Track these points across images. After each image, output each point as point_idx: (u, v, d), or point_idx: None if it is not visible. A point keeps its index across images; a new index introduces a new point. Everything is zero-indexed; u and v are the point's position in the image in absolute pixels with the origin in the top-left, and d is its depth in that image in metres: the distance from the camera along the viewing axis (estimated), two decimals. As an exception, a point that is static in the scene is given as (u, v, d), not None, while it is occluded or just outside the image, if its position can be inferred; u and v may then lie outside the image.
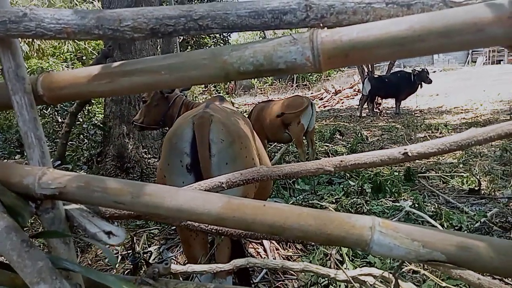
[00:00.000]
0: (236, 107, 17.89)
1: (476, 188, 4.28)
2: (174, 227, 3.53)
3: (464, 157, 5.68)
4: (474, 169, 5.00)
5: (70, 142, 6.10)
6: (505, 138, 1.01)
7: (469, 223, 3.37)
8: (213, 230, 1.32)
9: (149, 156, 5.35)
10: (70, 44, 13.88)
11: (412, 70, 12.65)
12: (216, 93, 23.04)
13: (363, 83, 12.74)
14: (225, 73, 0.94)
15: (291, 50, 0.87)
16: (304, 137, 5.71)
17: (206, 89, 23.67)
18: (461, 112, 10.98)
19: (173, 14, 0.93)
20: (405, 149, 1.05)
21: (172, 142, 1.88)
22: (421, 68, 12.54)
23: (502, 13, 0.74)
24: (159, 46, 6.30)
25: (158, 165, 2.02)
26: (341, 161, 1.10)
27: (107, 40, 1.34)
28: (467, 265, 0.77)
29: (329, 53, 0.85)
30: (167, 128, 3.56)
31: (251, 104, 19.48)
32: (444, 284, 1.36)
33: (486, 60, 25.07)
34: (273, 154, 6.61)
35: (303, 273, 2.57)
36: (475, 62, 25.49)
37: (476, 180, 4.42)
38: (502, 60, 24.31)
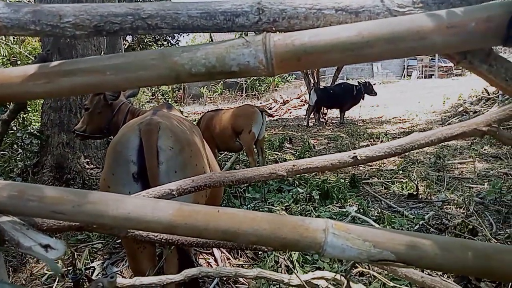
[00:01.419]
0: (185, 116, 17.55)
1: (415, 193, 4.57)
2: (119, 240, 3.35)
3: (403, 164, 6.04)
4: (412, 175, 5.33)
5: (2, 152, 5.61)
6: (443, 142, 1.08)
7: (409, 225, 3.57)
8: (162, 240, 1.26)
9: (92, 166, 5.07)
10: (3, 48, 12.88)
11: (358, 82, 13.33)
12: (164, 102, 22.59)
13: (309, 94, 13.15)
14: (176, 74, 0.91)
15: (244, 52, 0.86)
16: (254, 146, 5.74)
17: (154, 97, 23.10)
18: (399, 122, 11.72)
19: (119, 12, 0.88)
20: (354, 153, 1.07)
21: (117, 150, 1.82)
22: (365, 81, 13.25)
23: (441, 23, 0.78)
24: (102, 52, 6.04)
25: (101, 175, 1.94)
26: (294, 165, 1.11)
27: (45, 36, 1.24)
28: (415, 263, 0.79)
29: (282, 56, 0.85)
30: (112, 137, 3.40)
31: (200, 113, 19.29)
32: (392, 284, 1.41)
33: (419, 74, 27.14)
34: (223, 163, 6.58)
35: (254, 281, 2.55)
36: (410, 76, 27.47)
37: (414, 185, 4.71)
38: (433, 74, 26.49)
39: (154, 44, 21.54)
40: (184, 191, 1.18)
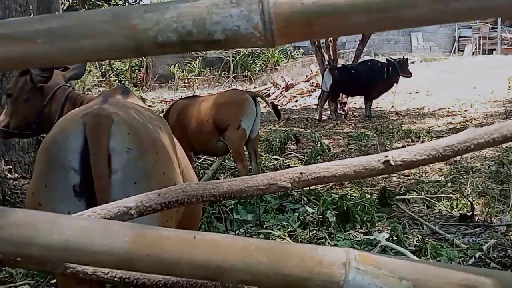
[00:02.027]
0: (148, 105, 17.60)
1: (469, 214, 4.60)
2: (54, 280, 3.33)
3: (452, 173, 6.09)
4: (466, 189, 5.37)
5: None
6: (509, 142, 1.08)
7: (462, 258, 3.60)
8: (115, 279, 1.25)
9: (16, 175, 5.04)
10: None
11: (386, 60, 13.39)
12: (116, 84, 22.52)
13: (322, 76, 13.21)
14: (136, 44, 0.90)
15: (232, 13, 0.86)
16: (245, 148, 5.74)
17: (104, 79, 23.06)
18: (447, 115, 11.82)
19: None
20: (386, 156, 1.08)
21: (51, 153, 1.82)
22: (402, 58, 13.34)
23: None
24: (32, 14, 6.01)
25: (29, 187, 1.95)
26: (301, 173, 1.11)
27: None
28: (471, 309, 0.79)
29: (286, 19, 0.85)
30: (45, 134, 3.38)
31: (169, 101, 19.29)
32: None
33: (475, 48, 27.38)
34: (201, 171, 6.57)
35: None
36: (463, 51, 27.73)
37: (468, 203, 4.74)
38: (494, 49, 26.72)
39: (105, 4, 21.50)
40: (147, 210, 1.17)
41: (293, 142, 9.04)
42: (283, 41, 0.88)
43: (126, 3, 20.80)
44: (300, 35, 0.87)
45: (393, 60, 13.15)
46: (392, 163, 1.08)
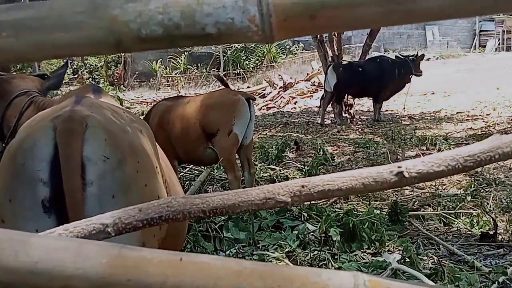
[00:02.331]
0: (126, 107, 17.63)
1: (491, 232, 4.61)
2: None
3: (473, 185, 6.11)
4: (488, 203, 5.39)
5: None
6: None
7: (483, 283, 3.60)
8: (90, 306, 1.25)
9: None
10: None
11: (396, 57, 13.45)
12: (89, 82, 22.45)
13: (325, 74, 13.26)
14: (116, 39, 0.90)
15: (225, 4, 0.87)
16: (237, 156, 5.75)
17: (76, 76, 23.03)
18: (467, 120, 11.88)
19: None
20: (399, 167, 1.08)
21: (17, 163, 1.81)
22: (416, 53, 13.42)
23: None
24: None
25: None
26: (303, 186, 1.11)
27: None
28: None
29: (286, 11, 0.85)
30: (6, 143, 3.37)
31: (150, 102, 19.27)
32: None
33: (498, 44, 27.58)
34: (187, 182, 6.56)
35: None
36: (485, 46, 27.92)
37: (491, 220, 4.76)
38: (520, 45, 26.91)
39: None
40: (126, 227, 1.17)
41: (292, 149, 9.06)
42: (283, 36, 0.89)
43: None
44: (302, 29, 0.88)
45: (404, 57, 13.22)
46: (406, 175, 1.09)
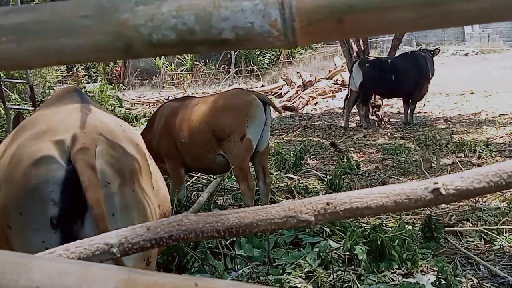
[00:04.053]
0: (126, 108, 17.66)
1: (539, 251, 4.58)
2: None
3: (517, 198, 6.06)
4: (534, 218, 5.35)
5: None
6: None
7: (530, 310, 3.58)
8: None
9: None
10: None
11: (422, 50, 13.42)
12: (86, 81, 22.54)
13: (350, 71, 13.24)
14: (125, 44, 0.93)
15: (244, 7, 0.89)
16: (251, 163, 5.76)
17: (71, 73, 23.18)
18: (511, 123, 11.77)
19: None
20: (435, 183, 1.09)
21: (30, 182, 2.10)
22: (436, 48, 13.45)
23: None
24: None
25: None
26: (328, 203, 1.13)
27: None
28: None
29: (311, 15, 0.87)
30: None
31: (153, 103, 19.34)
32: None
33: (547, 37, 27.33)
34: (194, 193, 6.57)
35: None
36: (531, 40, 27.66)
37: (538, 236, 4.72)
38: None
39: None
40: (133, 248, 1.19)
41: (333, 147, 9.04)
42: (307, 41, 0.91)
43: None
44: (328, 34, 0.90)
45: (430, 51, 13.26)
46: (443, 192, 1.10)
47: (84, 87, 18.06)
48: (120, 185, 2.18)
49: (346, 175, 7.60)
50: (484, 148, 8.86)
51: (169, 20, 0.91)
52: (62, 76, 23.54)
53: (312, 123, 14.00)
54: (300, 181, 7.49)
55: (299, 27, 0.88)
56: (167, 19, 0.90)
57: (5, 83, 12.46)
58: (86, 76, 23.87)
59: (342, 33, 0.90)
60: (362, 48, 13.63)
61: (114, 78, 25.78)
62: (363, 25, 0.89)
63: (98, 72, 25.68)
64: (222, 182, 6.63)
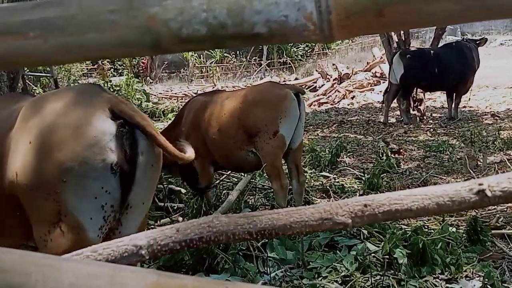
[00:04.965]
0: (154, 102, 17.81)
1: None
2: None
3: None
4: None
5: None
6: None
7: None
8: None
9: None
10: None
11: (467, 40, 13.26)
12: (112, 75, 22.76)
13: (390, 63, 13.14)
14: (153, 39, 0.95)
15: (278, 0, 0.90)
16: (284, 161, 5.76)
17: (96, 66, 23.45)
18: None
19: None
20: (480, 185, 1.09)
21: (90, 137, 2.58)
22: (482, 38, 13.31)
23: None
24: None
25: (48, 161, 2.58)
26: (366, 205, 1.13)
27: None
28: None
29: (349, 7, 0.88)
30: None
31: (181, 97, 19.47)
32: None
33: None
34: (225, 192, 6.61)
35: None
36: None
37: None
38: None
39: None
40: (162, 249, 1.21)
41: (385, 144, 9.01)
42: (345, 35, 0.91)
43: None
44: (367, 27, 0.90)
45: (476, 42, 13.13)
46: (489, 193, 1.10)
47: (110, 81, 18.25)
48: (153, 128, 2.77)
49: (385, 174, 7.56)
50: (535, 146, 8.75)
51: (200, 14, 0.92)
52: (87, 69, 23.88)
53: (348, 119, 13.95)
54: (336, 180, 7.47)
55: (335, 20, 0.89)
56: (197, 13, 0.92)
57: (29, 76, 12.70)
58: (112, 69, 24.09)
59: (382, 27, 0.90)
60: (403, 39, 13.49)
61: (141, 71, 25.99)
62: (404, 18, 0.89)
63: (124, 65, 25.92)
64: (253, 180, 6.65)
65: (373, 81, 19.29)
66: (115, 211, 2.68)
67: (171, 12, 0.93)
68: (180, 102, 17.68)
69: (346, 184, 7.23)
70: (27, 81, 9.75)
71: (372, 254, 4.48)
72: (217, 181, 6.90)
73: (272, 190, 5.89)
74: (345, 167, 8.30)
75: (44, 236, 2.62)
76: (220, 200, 5.86)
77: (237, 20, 0.91)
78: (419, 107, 13.32)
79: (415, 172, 7.91)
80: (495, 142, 9.35)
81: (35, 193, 2.59)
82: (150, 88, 20.94)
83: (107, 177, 2.59)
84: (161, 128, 6.60)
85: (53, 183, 2.55)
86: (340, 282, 4.17)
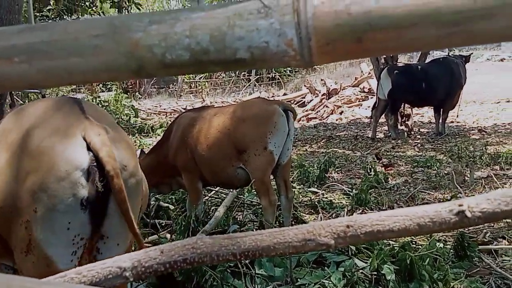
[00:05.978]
0: (142, 118, 17.82)
1: None
2: None
3: (557, 214, 5.99)
4: None
5: None
6: None
7: None
8: None
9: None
10: None
11: (458, 56, 13.36)
12: (100, 90, 22.73)
13: (378, 79, 13.21)
14: (137, 64, 0.96)
15: (259, 26, 0.91)
16: (272, 177, 5.76)
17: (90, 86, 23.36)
18: (551, 134, 11.67)
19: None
20: (460, 205, 1.10)
21: (60, 169, 2.49)
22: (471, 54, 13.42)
23: None
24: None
25: (23, 186, 2.52)
26: (348, 226, 1.14)
27: None
28: None
29: (329, 34, 0.89)
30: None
31: (170, 113, 19.47)
32: None
33: None
34: (213, 208, 6.60)
35: None
36: None
37: None
38: None
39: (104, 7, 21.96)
40: (146, 271, 1.22)
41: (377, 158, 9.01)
42: (325, 60, 0.92)
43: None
44: (347, 53, 0.91)
45: (462, 58, 13.23)
46: (469, 214, 1.11)
47: (99, 96, 18.22)
48: (133, 171, 2.71)
49: (373, 189, 7.58)
50: (521, 161, 8.79)
51: (183, 40, 0.93)
52: (76, 85, 23.78)
53: (337, 134, 13.99)
54: (325, 196, 7.48)
55: (316, 46, 0.90)
56: (180, 39, 0.93)
57: (17, 92, 12.66)
58: (101, 85, 24.04)
59: (361, 53, 0.92)
60: (391, 54, 13.59)
61: (130, 86, 25.94)
62: (384, 44, 0.90)
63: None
64: (241, 196, 6.65)
65: (361, 96, 19.38)
66: (86, 243, 2.58)
67: (155, 38, 0.94)
68: (169, 117, 17.67)
69: (335, 199, 7.24)
70: (15, 97, 9.73)
71: (360, 270, 4.48)
72: (206, 197, 6.89)
73: (261, 206, 5.88)
74: (334, 183, 8.33)
75: (19, 262, 2.57)
76: (209, 217, 5.84)
77: (219, 46, 0.92)
78: (406, 122, 13.40)
79: (403, 188, 7.94)
80: (482, 157, 9.39)
81: (10, 217, 2.53)
82: (139, 104, 20.92)
83: (76, 212, 2.50)
84: (150, 145, 6.60)
85: (26, 211, 2.50)
86: (328, 299, 4.18)
